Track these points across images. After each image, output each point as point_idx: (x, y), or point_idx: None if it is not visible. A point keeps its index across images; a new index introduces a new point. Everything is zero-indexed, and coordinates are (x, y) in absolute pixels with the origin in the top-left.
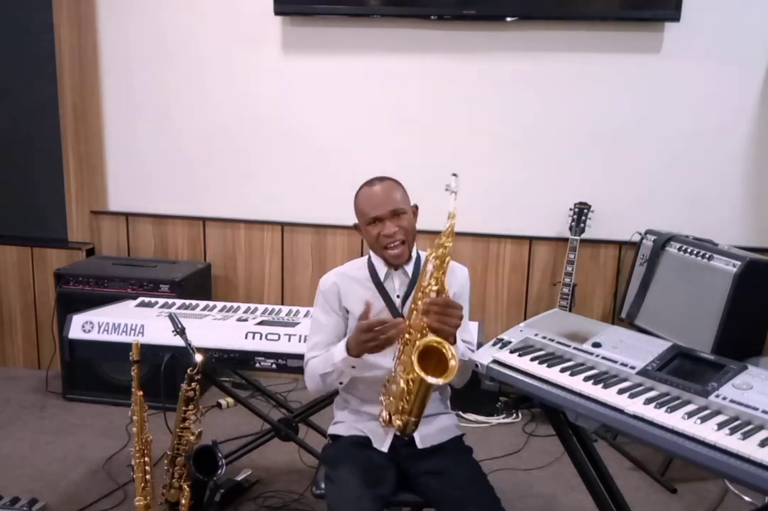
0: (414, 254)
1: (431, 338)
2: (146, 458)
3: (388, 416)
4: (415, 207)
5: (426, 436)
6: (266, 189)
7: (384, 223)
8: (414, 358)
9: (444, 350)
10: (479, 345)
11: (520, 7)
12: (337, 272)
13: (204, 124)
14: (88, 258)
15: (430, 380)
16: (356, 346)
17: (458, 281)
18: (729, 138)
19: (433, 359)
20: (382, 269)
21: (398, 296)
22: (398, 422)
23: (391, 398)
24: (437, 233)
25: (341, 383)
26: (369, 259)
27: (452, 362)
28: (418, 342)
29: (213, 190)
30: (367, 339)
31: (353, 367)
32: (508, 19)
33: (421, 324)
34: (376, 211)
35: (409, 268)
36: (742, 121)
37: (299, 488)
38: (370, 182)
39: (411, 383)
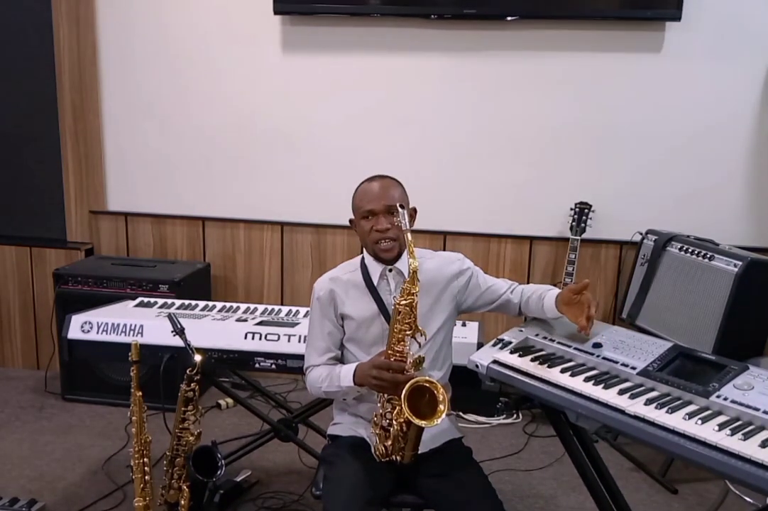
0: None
1: (420, 378)
2: (145, 459)
3: (384, 450)
4: (414, 210)
5: (425, 440)
6: (266, 189)
7: (378, 217)
8: (405, 408)
9: (436, 391)
10: (479, 345)
11: (520, 7)
12: (332, 277)
13: (203, 123)
14: (87, 258)
15: (424, 424)
16: (363, 377)
17: (452, 271)
18: (730, 137)
19: (425, 394)
20: (375, 270)
21: (394, 297)
22: (397, 458)
23: (385, 436)
24: (436, 233)
25: (344, 400)
26: (362, 261)
27: (441, 407)
28: (406, 387)
29: (212, 190)
30: (378, 376)
31: (358, 391)
32: (509, 18)
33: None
34: (370, 205)
35: (404, 268)
36: (742, 120)
37: (299, 488)
38: (370, 178)
39: (404, 426)
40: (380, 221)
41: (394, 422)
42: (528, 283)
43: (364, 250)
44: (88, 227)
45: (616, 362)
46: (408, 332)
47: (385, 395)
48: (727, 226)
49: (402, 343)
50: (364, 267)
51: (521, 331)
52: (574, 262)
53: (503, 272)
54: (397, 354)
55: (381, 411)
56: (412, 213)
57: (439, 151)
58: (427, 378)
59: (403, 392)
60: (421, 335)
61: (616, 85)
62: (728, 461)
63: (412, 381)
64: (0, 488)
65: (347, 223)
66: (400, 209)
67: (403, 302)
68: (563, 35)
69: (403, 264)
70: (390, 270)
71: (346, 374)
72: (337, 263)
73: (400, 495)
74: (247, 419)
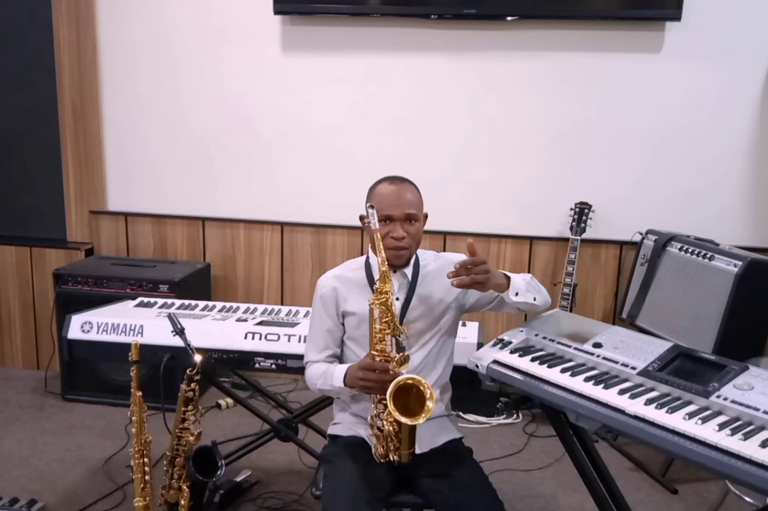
0: (412, 257)
1: (403, 376)
2: (145, 459)
3: (383, 451)
4: (426, 215)
5: (425, 440)
6: (266, 189)
7: (395, 224)
8: (390, 406)
9: (422, 388)
10: (479, 345)
11: (520, 7)
12: (336, 275)
13: (203, 123)
14: (87, 258)
15: (411, 422)
16: (352, 379)
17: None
18: (730, 138)
19: (411, 391)
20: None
21: (397, 299)
22: (395, 457)
23: (383, 437)
24: (436, 233)
25: (339, 398)
26: (367, 259)
27: (429, 404)
28: (390, 386)
29: (212, 189)
30: (364, 377)
31: (350, 392)
32: (509, 18)
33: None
34: (389, 210)
35: (409, 270)
36: (742, 120)
37: (299, 488)
38: (390, 179)
39: (395, 425)
40: (397, 229)
41: (385, 422)
42: None
43: (370, 249)
44: (88, 227)
45: (616, 362)
46: (387, 332)
47: (377, 396)
48: (727, 226)
49: (383, 342)
50: (368, 266)
51: (521, 331)
52: (574, 262)
53: None
54: (382, 354)
55: (375, 412)
56: (425, 218)
57: (439, 151)
58: (411, 376)
59: (388, 391)
60: (401, 334)
61: (616, 85)
62: (728, 461)
63: (397, 380)
64: (0, 488)
65: (347, 223)
66: (369, 209)
67: (377, 302)
68: (563, 35)
69: (408, 267)
70: (394, 271)
71: (338, 374)
72: (337, 263)
73: (400, 495)
74: (247, 419)
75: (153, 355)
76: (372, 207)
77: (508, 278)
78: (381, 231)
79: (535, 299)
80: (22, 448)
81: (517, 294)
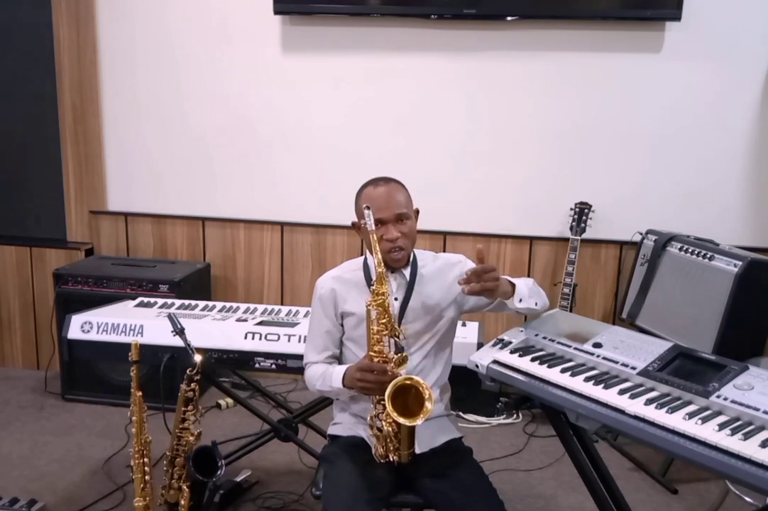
0: (411, 256)
1: (401, 377)
2: (145, 459)
3: (384, 452)
4: (417, 211)
5: (425, 440)
6: (266, 189)
7: (387, 226)
8: (389, 407)
9: (421, 389)
10: (479, 345)
11: (520, 7)
12: (334, 276)
13: (203, 123)
14: (87, 258)
15: (409, 423)
16: (350, 380)
17: (454, 273)
18: (730, 137)
19: (412, 393)
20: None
21: (396, 299)
22: (394, 457)
23: (380, 438)
24: (437, 234)
25: (338, 399)
26: (365, 260)
27: (428, 405)
28: (389, 387)
29: (212, 189)
30: (362, 379)
31: (349, 393)
32: (509, 18)
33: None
34: (379, 214)
35: (407, 271)
36: (742, 120)
37: (299, 488)
38: (374, 182)
39: (394, 425)
40: (390, 231)
41: (384, 423)
42: None
43: (367, 251)
44: (88, 227)
45: (616, 362)
46: (385, 333)
47: (377, 397)
48: (727, 226)
49: (381, 343)
50: (366, 267)
51: (521, 331)
52: (574, 262)
53: (504, 272)
54: (380, 355)
55: (374, 412)
56: (416, 214)
57: (439, 151)
58: (409, 377)
59: (387, 392)
60: (398, 335)
61: (616, 85)
62: (728, 461)
63: (395, 381)
64: (0, 488)
65: (347, 223)
66: (366, 210)
67: (375, 303)
68: (563, 35)
69: (406, 268)
70: (392, 271)
71: (337, 375)
72: (337, 263)
73: (400, 495)
74: (247, 419)
75: (153, 355)
76: (368, 208)
77: (512, 285)
78: (376, 234)
79: (536, 304)
80: (22, 448)
81: (521, 300)
